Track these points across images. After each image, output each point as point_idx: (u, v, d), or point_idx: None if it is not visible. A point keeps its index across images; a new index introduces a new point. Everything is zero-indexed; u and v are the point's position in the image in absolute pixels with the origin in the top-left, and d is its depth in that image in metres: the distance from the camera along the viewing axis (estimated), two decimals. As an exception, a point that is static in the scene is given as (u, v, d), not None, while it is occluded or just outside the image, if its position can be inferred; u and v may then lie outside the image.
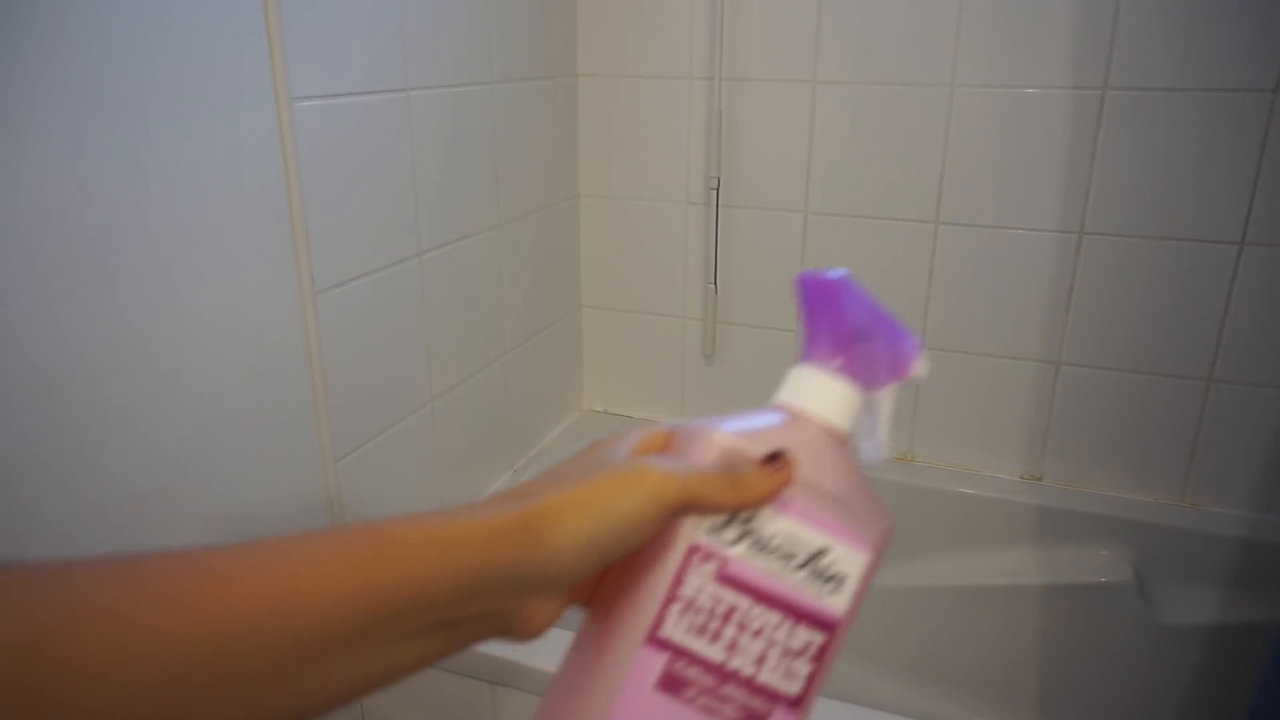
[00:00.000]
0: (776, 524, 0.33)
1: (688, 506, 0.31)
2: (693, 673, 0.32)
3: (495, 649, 0.94)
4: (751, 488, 0.32)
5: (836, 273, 0.36)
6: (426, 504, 1.01)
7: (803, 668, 0.33)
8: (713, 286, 1.41)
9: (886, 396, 0.36)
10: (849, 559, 0.33)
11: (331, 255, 0.92)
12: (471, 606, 0.29)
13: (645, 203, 1.43)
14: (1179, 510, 1.26)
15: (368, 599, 0.27)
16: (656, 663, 0.32)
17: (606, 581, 0.34)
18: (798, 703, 0.33)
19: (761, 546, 0.33)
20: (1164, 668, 1.23)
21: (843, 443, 0.35)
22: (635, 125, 1.40)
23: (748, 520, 0.33)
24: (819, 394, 0.35)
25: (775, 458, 0.33)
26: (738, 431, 0.34)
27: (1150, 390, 1.24)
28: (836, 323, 0.36)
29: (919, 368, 0.36)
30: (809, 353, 0.36)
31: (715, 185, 1.36)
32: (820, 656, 0.33)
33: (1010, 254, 1.26)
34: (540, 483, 0.32)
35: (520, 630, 0.32)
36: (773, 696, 0.33)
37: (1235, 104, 1.10)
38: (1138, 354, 1.23)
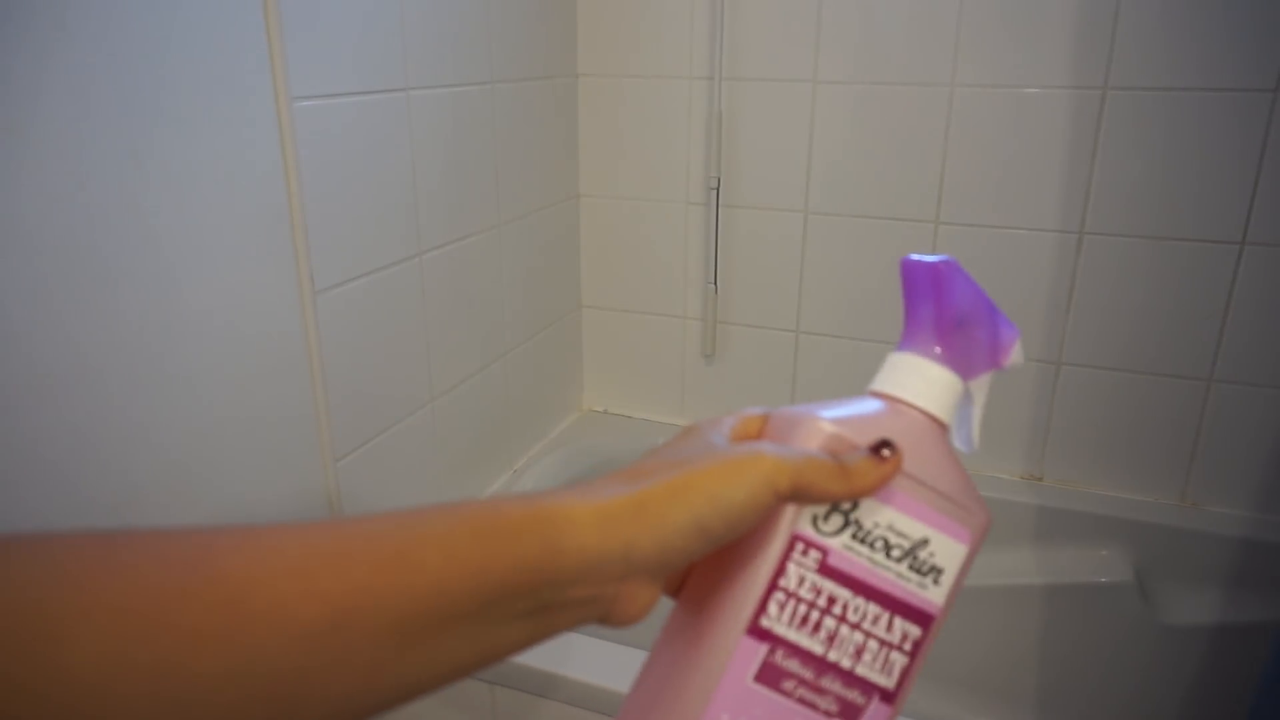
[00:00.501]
0: (879, 514, 0.32)
1: (797, 494, 0.31)
2: (792, 664, 0.32)
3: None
4: (860, 477, 0.32)
5: (943, 257, 0.35)
6: (431, 499, 1.01)
7: (899, 660, 0.33)
8: (713, 286, 1.41)
9: (983, 386, 0.36)
10: (949, 551, 0.33)
11: (331, 255, 0.92)
12: (581, 589, 0.29)
13: (645, 202, 1.43)
14: (1179, 510, 1.26)
15: (485, 578, 0.28)
16: (757, 653, 0.32)
17: (699, 571, 0.34)
18: (893, 696, 0.33)
19: (864, 538, 0.32)
20: (1164, 668, 1.23)
21: (943, 432, 0.35)
22: (635, 125, 1.40)
23: (851, 510, 0.32)
24: (921, 382, 0.35)
25: (883, 447, 0.32)
26: (843, 419, 0.33)
27: (1151, 390, 1.24)
28: (941, 309, 0.35)
29: (1016, 356, 0.36)
30: (909, 339, 0.36)
31: (715, 185, 1.36)
32: (916, 650, 0.33)
33: (1010, 254, 1.26)
34: (647, 465, 0.32)
35: (619, 615, 0.31)
36: (869, 689, 0.33)
37: (1236, 104, 1.10)
38: (1138, 354, 1.23)
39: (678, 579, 0.35)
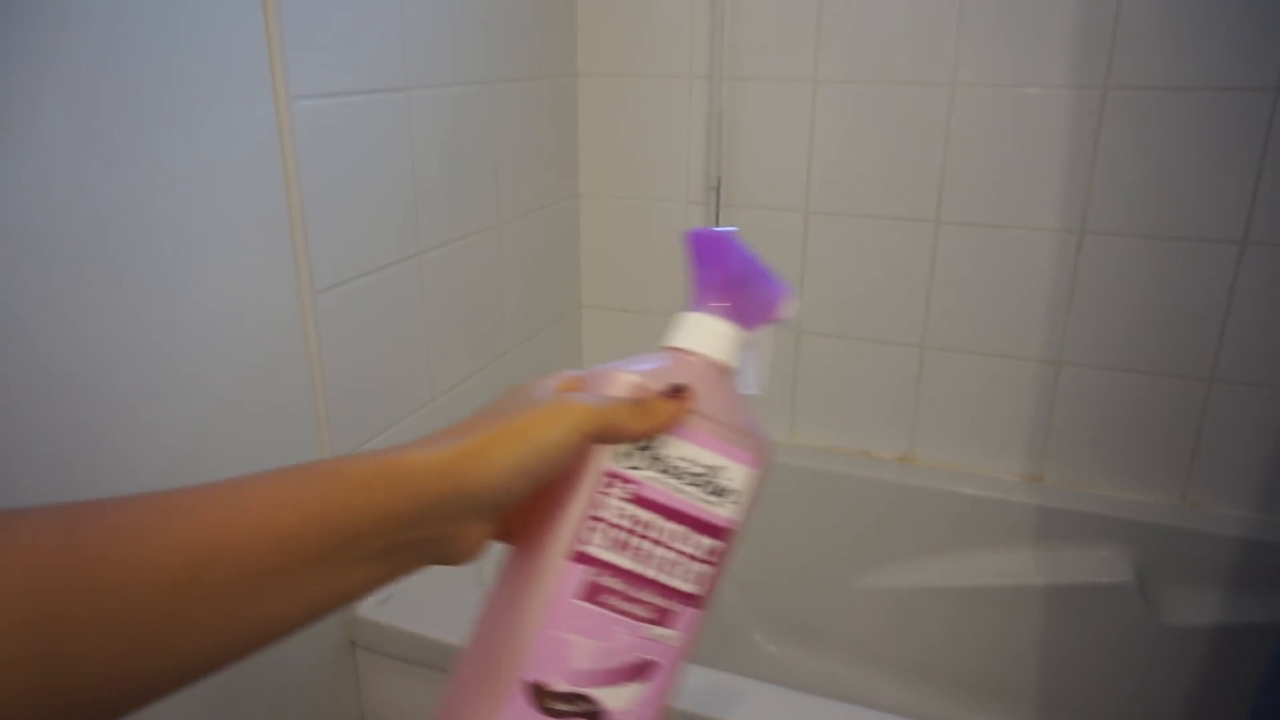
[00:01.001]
0: (678, 448, 0.37)
1: (604, 434, 0.36)
2: (610, 582, 0.37)
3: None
4: (657, 414, 0.37)
5: (726, 229, 0.41)
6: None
7: (705, 571, 0.38)
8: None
9: (763, 337, 0.41)
10: (740, 474, 0.39)
11: (331, 255, 0.92)
12: (420, 531, 0.33)
13: (645, 202, 1.43)
14: (1180, 510, 1.26)
15: (331, 524, 0.31)
16: (577, 575, 0.36)
17: (525, 514, 0.38)
18: (701, 600, 0.38)
19: (665, 469, 0.37)
20: (1165, 668, 1.23)
21: (726, 375, 0.40)
22: (635, 124, 1.40)
23: (653, 447, 0.37)
24: (706, 335, 0.40)
25: (677, 390, 0.38)
26: (643, 370, 0.39)
27: (1151, 390, 1.24)
28: (722, 272, 0.41)
29: (788, 310, 0.42)
30: (697, 299, 0.41)
31: (715, 184, 1.36)
32: (719, 560, 0.39)
33: (1011, 253, 1.25)
34: (473, 421, 0.36)
35: (456, 554, 0.35)
36: (680, 596, 0.38)
37: (1236, 103, 1.10)
38: (1139, 354, 1.23)
39: (510, 524, 0.38)
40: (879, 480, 1.36)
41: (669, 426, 0.37)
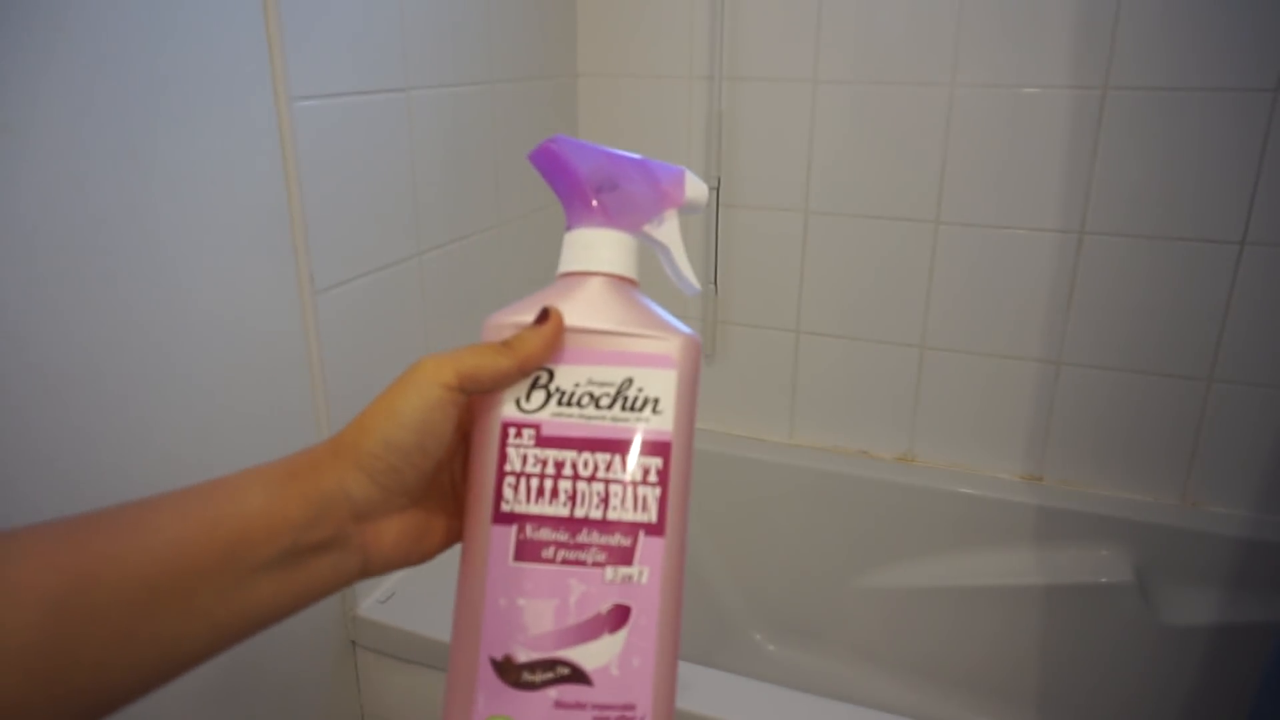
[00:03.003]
0: (574, 375, 0.35)
1: (467, 381, 0.34)
2: (544, 533, 0.34)
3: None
4: (522, 345, 0.34)
5: (552, 138, 0.38)
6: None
7: (651, 494, 0.35)
8: (713, 286, 1.41)
9: (669, 229, 0.38)
10: (657, 380, 0.35)
11: (331, 254, 0.92)
12: (316, 532, 0.32)
13: (645, 202, 1.43)
14: (1180, 510, 1.26)
15: (217, 531, 0.30)
16: (507, 535, 0.34)
17: (462, 487, 0.37)
18: (658, 527, 0.35)
19: (568, 400, 0.35)
20: (1164, 668, 1.23)
21: (624, 284, 0.37)
22: (635, 125, 1.40)
23: (547, 383, 0.35)
24: (584, 250, 0.37)
25: (541, 317, 0.35)
26: (515, 307, 0.36)
27: (1151, 390, 1.24)
28: (572, 182, 0.37)
29: (692, 189, 0.38)
30: (569, 219, 0.38)
31: (715, 185, 1.36)
32: (664, 479, 0.35)
33: (1011, 253, 1.26)
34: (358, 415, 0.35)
35: (377, 555, 0.34)
36: (630, 528, 0.34)
37: (1236, 104, 1.10)
38: (1138, 354, 1.23)
39: (455, 505, 0.37)
40: (879, 480, 1.36)
41: (541, 355, 0.34)
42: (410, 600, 1.03)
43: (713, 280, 1.41)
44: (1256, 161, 1.11)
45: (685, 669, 0.93)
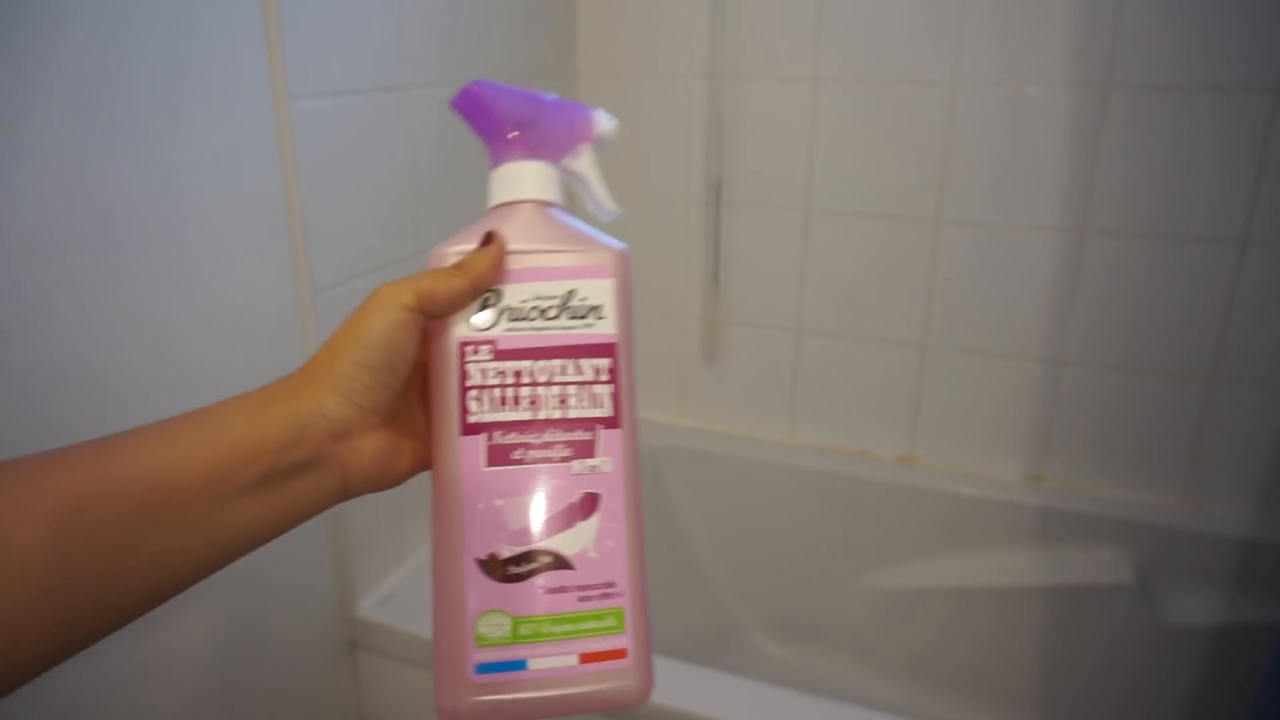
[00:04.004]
0: (520, 292, 0.38)
1: (426, 302, 0.36)
2: (510, 438, 0.37)
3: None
4: (472, 265, 0.37)
5: (473, 81, 0.41)
6: (425, 503, 1.02)
7: (604, 390, 0.38)
8: (713, 286, 1.41)
9: (586, 161, 0.42)
10: (597, 289, 0.39)
11: (330, 254, 0.92)
12: (295, 453, 0.34)
13: (645, 201, 1.43)
14: (1181, 511, 1.26)
15: (201, 454, 0.32)
16: (477, 445, 0.37)
17: (426, 407, 0.39)
18: (613, 420, 0.38)
19: (517, 315, 0.38)
20: (1166, 669, 1.23)
21: (552, 208, 0.41)
22: (635, 124, 1.40)
23: (496, 302, 0.38)
24: (511, 181, 0.41)
25: (485, 240, 0.38)
26: (458, 236, 0.39)
27: (1152, 390, 1.24)
28: (492, 121, 0.41)
29: (601, 127, 0.42)
30: (492, 158, 0.42)
31: (715, 184, 1.35)
32: (615, 376, 0.39)
33: (1012, 252, 1.25)
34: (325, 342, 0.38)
35: (357, 473, 0.36)
36: (589, 424, 0.38)
37: (1238, 103, 1.10)
38: (1139, 353, 1.23)
39: (410, 428, 0.39)
40: (879, 480, 1.36)
41: (490, 274, 0.38)
42: (410, 601, 1.03)
43: (713, 279, 1.41)
44: (1258, 160, 1.11)
45: (685, 669, 0.93)
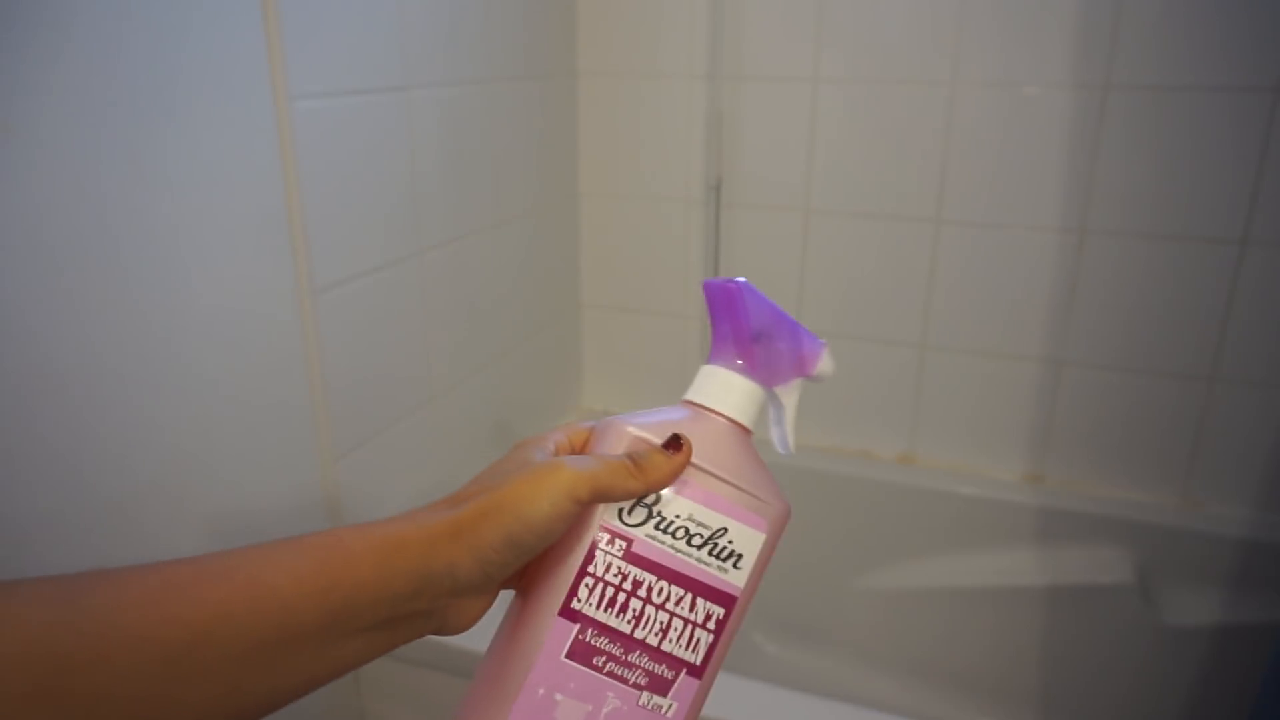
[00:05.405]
0: (679, 506, 0.36)
1: (598, 497, 0.35)
2: (602, 641, 0.36)
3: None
4: (653, 470, 0.36)
5: (737, 280, 0.39)
6: (425, 503, 1.02)
7: (704, 638, 0.37)
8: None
9: (792, 393, 0.40)
10: (748, 538, 0.37)
11: (331, 254, 0.92)
12: (413, 604, 0.33)
13: (645, 202, 1.43)
14: (1181, 511, 1.26)
15: (328, 599, 0.31)
16: (569, 632, 0.35)
17: (532, 565, 0.37)
18: (700, 671, 0.37)
19: (665, 527, 0.36)
20: (1166, 669, 1.23)
21: (744, 434, 0.39)
22: (635, 124, 1.40)
23: (654, 504, 0.36)
24: (722, 390, 0.39)
25: (673, 443, 0.36)
26: (647, 424, 0.38)
27: (1152, 390, 1.24)
28: (737, 325, 0.39)
29: (823, 366, 0.40)
30: (714, 352, 0.40)
31: (715, 184, 1.35)
32: (720, 629, 0.37)
33: (1012, 252, 1.25)
34: (473, 486, 0.36)
35: (453, 625, 0.36)
36: (676, 663, 0.36)
37: (1238, 103, 1.10)
38: (1139, 353, 1.23)
39: (514, 576, 0.38)
40: (879, 480, 1.36)
41: (666, 482, 0.36)
42: (410, 600, 1.03)
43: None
44: (1257, 161, 1.11)
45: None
